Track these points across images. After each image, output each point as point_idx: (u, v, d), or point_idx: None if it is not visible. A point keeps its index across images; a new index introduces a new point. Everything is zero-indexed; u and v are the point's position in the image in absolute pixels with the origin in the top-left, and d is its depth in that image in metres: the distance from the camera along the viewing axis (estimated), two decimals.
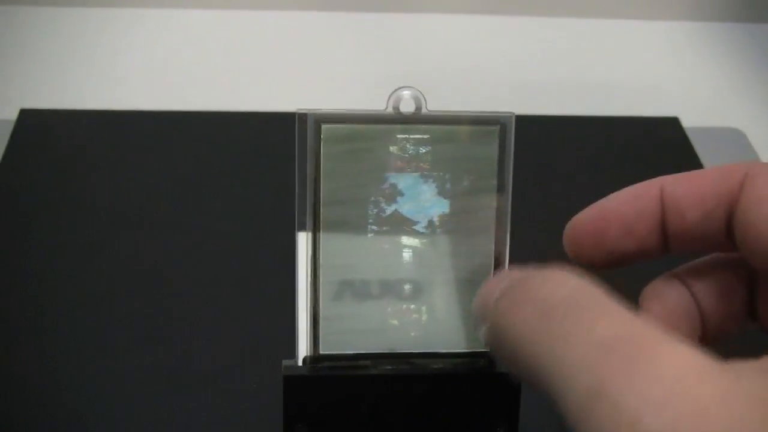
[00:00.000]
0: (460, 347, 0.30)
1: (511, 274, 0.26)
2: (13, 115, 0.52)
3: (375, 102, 0.29)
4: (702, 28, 0.65)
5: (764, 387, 0.21)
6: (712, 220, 0.29)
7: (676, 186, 0.29)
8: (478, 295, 0.27)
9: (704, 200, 0.29)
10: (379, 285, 0.30)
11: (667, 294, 0.30)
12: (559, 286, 0.24)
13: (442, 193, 0.29)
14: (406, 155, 0.29)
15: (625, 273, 0.31)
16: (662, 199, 0.29)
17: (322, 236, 0.29)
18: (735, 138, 0.55)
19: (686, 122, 0.54)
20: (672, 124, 0.54)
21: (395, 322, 0.30)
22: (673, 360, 0.21)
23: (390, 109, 0.29)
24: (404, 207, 0.29)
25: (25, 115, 0.52)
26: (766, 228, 0.27)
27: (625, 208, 0.30)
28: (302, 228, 0.29)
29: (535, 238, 0.45)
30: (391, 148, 0.29)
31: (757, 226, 0.27)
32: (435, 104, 0.29)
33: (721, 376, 0.21)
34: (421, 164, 0.29)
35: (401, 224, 0.29)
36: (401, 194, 0.29)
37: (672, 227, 0.29)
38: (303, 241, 0.29)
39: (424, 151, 0.29)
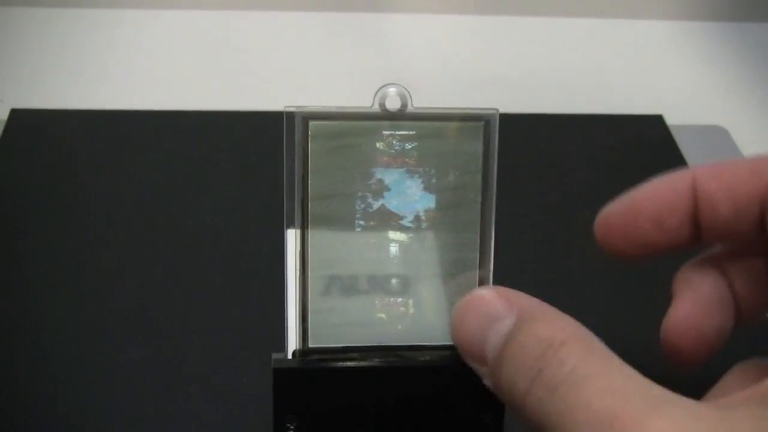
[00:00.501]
0: (447, 339, 0.30)
1: (506, 309, 0.28)
2: (4, 115, 0.52)
3: (361, 99, 0.30)
4: (685, 27, 0.66)
5: (755, 424, 0.22)
6: (745, 215, 0.29)
7: (708, 180, 0.29)
8: (460, 322, 0.29)
9: (737, 196, 0.29)
10: (366, 279, 0.30)
11: (701, 281, 0.30)
12: (562, 365, 0.25)
13: (428, 188, 0.30)
14: (393, 151, 0.29)
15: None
16: (695, 192, 0.29)
17: (311, 232, 0.30)
18: (719, 135, 0.55)
19: (670, 120, 0.54)
20: (656, 121, 0.54)
21: (383, 315, 0.30)
22: (664, 426, 0.22)
23: (376, 106, 0.29)
24: (391, 202, 0.30)
25: (17, 114, 0.52)
26: None
27: (656, 202, 0.30)
28: (291, 224, 0.30)
29: (520, 232, 0.45)
30: (378, 144, 0.29)
31: None
32: (421, 102, 0.29)
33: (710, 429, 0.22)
34: (407, 160, 0.29)
35: (388, 219, 0.30)
36: (388, 189, 0.30)
37: (704, 221, 0.29)
38: (292, 237, 0.30)
39: (410, 147, 0.29)
